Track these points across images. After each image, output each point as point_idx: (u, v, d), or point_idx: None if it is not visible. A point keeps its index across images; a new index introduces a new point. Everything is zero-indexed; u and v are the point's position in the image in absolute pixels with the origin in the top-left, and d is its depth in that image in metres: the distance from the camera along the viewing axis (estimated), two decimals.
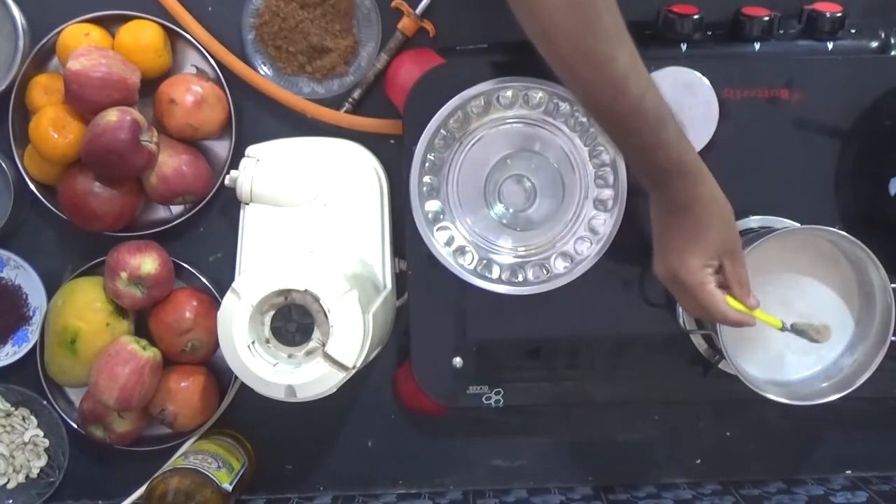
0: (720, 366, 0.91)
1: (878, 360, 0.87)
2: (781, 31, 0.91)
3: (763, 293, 0.82)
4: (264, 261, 0.85)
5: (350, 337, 0.83)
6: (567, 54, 0.69)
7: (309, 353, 0.85)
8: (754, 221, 0.91)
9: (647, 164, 0.75)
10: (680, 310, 0.89)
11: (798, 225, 0.89)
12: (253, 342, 0.84)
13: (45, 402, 1.02)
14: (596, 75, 0.69)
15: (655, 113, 0.71)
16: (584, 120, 0.89)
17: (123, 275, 0.95)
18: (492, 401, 0.94)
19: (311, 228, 0.94)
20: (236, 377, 0.88)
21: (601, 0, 0.68)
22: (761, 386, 0.87)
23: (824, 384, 0.90)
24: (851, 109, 0.91)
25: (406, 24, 0.97)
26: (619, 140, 0.76)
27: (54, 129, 0.93)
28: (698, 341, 0.91)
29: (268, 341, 0.85)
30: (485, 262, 0.93)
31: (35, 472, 1.03)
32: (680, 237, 0.77)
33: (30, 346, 1.01)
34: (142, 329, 1.00)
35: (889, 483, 1.05)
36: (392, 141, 0.99)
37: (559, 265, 0.92)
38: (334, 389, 0.84)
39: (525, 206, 0.92)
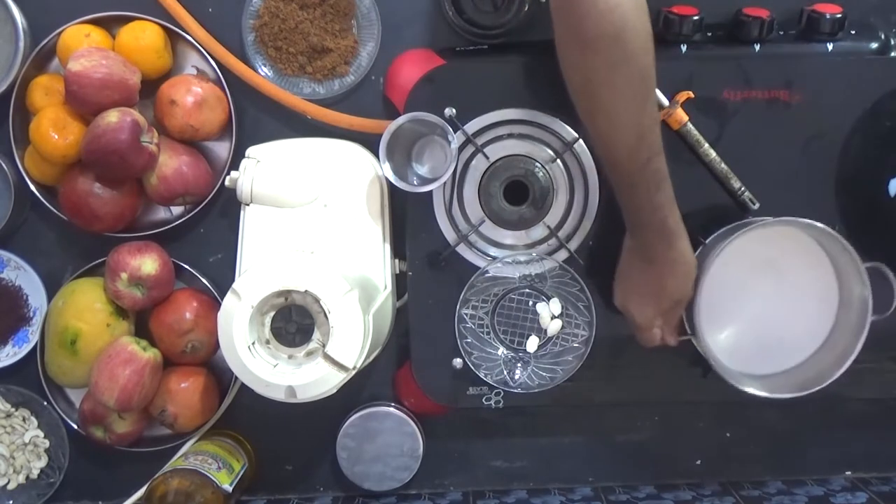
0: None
1: (857, 349, 0.87)
2: (781, 33, 0.92)
3: (742, 288, 0.90)
4: (264, 262, 0.85)
5: (350, 338, 0.83)
6: (598, 110, 0.76)
7: (309, 353, 0.85)
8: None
9: (634, 215, 0.82)
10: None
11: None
12: (253, 343, 0.84)
13: (45, 403, 1.02)
14: (616, 133, 0.77)
15: (655, 176, 0.78)
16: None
17: (124, 275, 0.95)
18: (492, 401, 0.94)
19: (312, 229, 0.94)
20: (236, 378, 0.88)
21: (643, 67, 0.74)
22: (738, 378, 0.88)
23: (802, 378, 0.90)
24: (851, 110, 0.91)
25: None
26: (618, 188, 0.82)
27: (55, 129, 0.93)
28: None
29: (268, 342, 0.85)
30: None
31: (35, 473, 1.03)
32: (642, 286, 0.86)
33: (30, 346, 1.01)
34: (142, 330, 1.00)
35: (889, 484, 1.05)
36: None
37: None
38: (335, 390, 0.84)
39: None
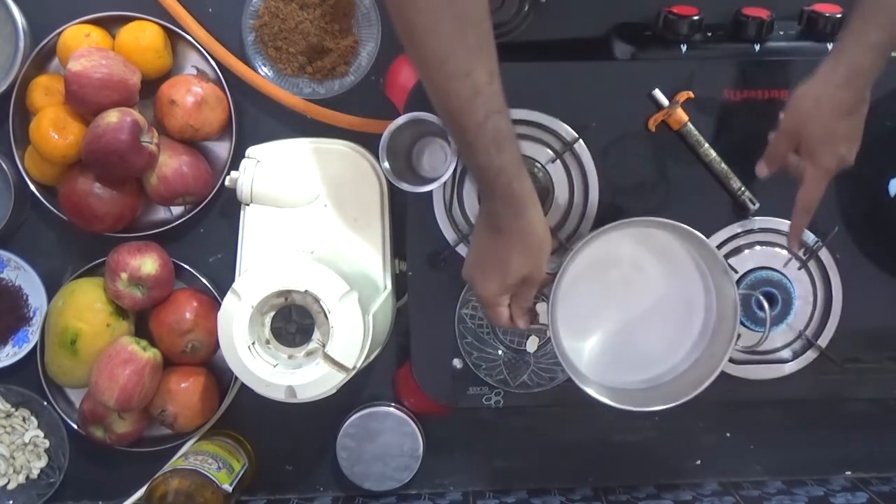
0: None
1: (726, 357, 0.83)
2: (781, 32, 0.92)
3: (612, 293, 0.87)
4: (264, 262, 0.85)
5: (350, 338, 0.83)
6: (426, 58, 0.70)
7: (309, 354, 0.85)
8: (756, 223, 0.92)
9: (477, 179, 0.77)
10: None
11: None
12: (253, 343, 0.84)
13: (45, 403, 1.02)
14: (447, 85, 0.70)
15: (495, 136, 0.72)
16: None
17: (124, 275, 0.95)
18: (492, 401, 0.94)
19: (312, 229, 0.94)
20: (236, 378, 0.88)
21: (472, 13, 0.68)
22: (585, 381, 0.84)
23: (670, 391, 0.86)
24: None
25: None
26: (459, 149, 0.78)
27: (55, 129, 0.93)
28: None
29: (268, 342, 0.85)
30: None
31: (35, 473, 1.03)
32: (488, 257, 0.79)
33: (30, 346, 1.01)
34: (142, 330, 1.00)
35: (889, 484, 1.05)
36: None
37: None
38: (334, 390, 0.84)
39: None
